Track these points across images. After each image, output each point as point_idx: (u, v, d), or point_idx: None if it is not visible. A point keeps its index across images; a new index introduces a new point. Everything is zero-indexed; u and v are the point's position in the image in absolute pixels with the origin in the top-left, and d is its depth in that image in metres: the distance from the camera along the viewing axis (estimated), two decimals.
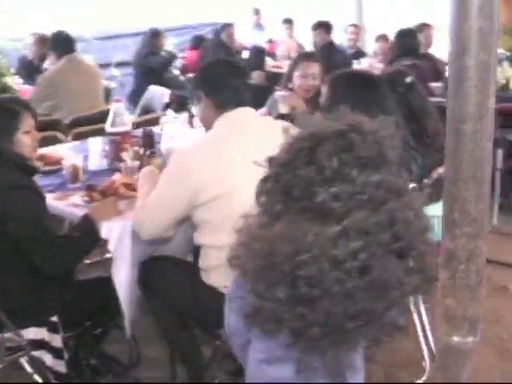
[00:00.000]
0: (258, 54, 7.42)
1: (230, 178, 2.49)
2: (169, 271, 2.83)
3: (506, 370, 3.16)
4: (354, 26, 8.44)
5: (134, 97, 6.65)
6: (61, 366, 2.71)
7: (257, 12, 9.79)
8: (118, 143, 3.51)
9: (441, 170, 3.02)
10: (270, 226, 1.32)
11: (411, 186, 2.82)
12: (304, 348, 1.33)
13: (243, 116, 2.66)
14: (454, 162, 1.27)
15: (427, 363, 3.11)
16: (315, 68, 4.27)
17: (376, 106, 2.87)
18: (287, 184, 1.30)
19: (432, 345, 3.18)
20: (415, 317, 3.12)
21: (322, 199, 1.24)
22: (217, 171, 2.49)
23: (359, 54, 7.81)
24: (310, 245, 1.23)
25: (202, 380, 2.83)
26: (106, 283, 2.75)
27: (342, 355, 1.34)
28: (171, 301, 2.79)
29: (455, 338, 1.33)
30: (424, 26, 6.57)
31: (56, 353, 2.70)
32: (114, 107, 3.68)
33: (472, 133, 1.23)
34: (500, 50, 5.66)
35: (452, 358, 1.36)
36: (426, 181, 2.95)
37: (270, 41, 9.21)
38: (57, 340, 2.69)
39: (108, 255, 3.23)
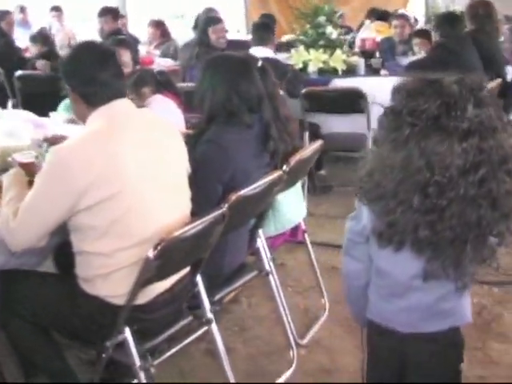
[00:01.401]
0: None
1: (119, 177, 2.20)
2: (32, 284, 2.50)
3: None
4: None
5: None
6: None
7: (22, 9, 9.14)
8: None
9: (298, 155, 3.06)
10: (396, 152, 1.63)
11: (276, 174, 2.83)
12: (429, 258, 1.68)
13: (120, 109, 2.34)
14: None
15: (294, 352, 3.14)
16: (126, 56, 4.12)
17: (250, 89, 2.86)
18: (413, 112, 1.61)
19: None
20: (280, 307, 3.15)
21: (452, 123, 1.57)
22: (102, 171, 2.17)
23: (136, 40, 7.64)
24: (442, 156, 1.56)
25: None
26: None
27: (465, 265, 1.66)
28: (36, 317, 2.45)
29: None
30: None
31: None
32: None
33: None
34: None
35: None
36: (284, 167, 2.94)
37: None
38: None
39: None
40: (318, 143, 3.32)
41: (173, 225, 2.28)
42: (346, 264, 1.96)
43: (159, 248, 2.14)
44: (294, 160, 2.98)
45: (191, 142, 2.74)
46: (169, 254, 2.22)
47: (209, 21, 5.73)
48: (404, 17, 6.78)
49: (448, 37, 5.22)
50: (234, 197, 2.51)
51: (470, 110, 1.58)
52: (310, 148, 3.27)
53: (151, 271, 2.20)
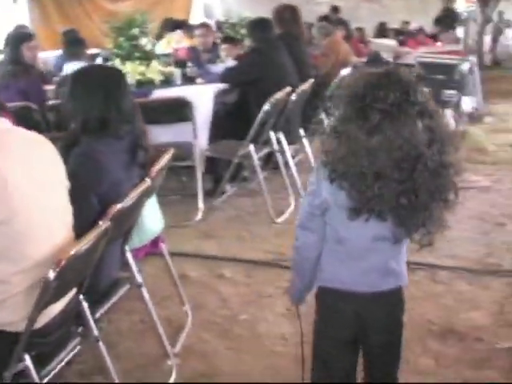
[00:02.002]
0: None
1: (6, 203, 2.10)
2: None
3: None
4: None
5: None
6: None
7: None
8: None
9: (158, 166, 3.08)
10: (371, 136, 1.84)
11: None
12: (398, 223, 1.93)
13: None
14: None
15: (173, 361, 3.15)
16: None
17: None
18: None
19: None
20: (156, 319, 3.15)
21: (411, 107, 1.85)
22: None
23: None
24: (413, 134, 1.84)
25: None
26: None
27: (428, 227, 1.93)
28: None
29: None
30: None
31: None
32: None
33: None
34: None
35: None
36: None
37: None
38: None
39: None
40: (170, 153, 3.36)
41: (64, 244, 2.23)
42: (303, 237, 2.11)
43: (59, 268, 2.07)
44: (154, 171, 3.00)
45: (61, 154, 2.65)
46: (65, 274, 2.15)
47: (22, 38, 5.49)
48: (207, 26, 6.98)
49: (261, 41, 5.48)
50: (114, 210, 2.49)
51: (419, 95, 1.88)
52: (164, 158, 3.30)
53: (50, 293, 2.13)
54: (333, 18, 10.61)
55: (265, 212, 5.26)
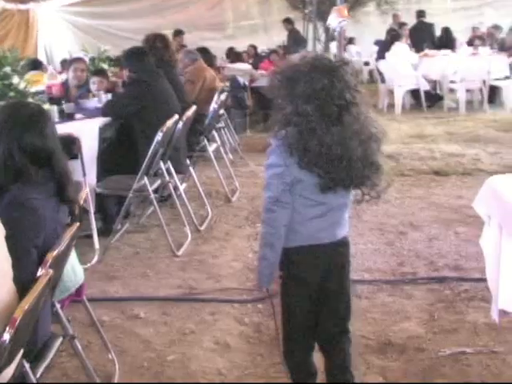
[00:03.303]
0: None
1: None
2: None
3: None
4: None
5: None
6: None
7: None
8: None
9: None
10: (334, 126, 2.31)
11: None
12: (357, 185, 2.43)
13: None
14: None
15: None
16: None
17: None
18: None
19: None
20: None
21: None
22: None
23: None
24: (363, 120, 2.37)
25: None
26: None
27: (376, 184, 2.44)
28: None
29: None
30: None
31: None
32: None
33: None
34: None
35: None
36: None
37: None
38: None
39: None
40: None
41: (7, 298, 1.99)
42: (279, 210, 2.40)
43: (13, 328, 1.84)
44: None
45: None
46: (19, 333, 1.92)
47: None
48: (82, 60, 6.67)
49: (140, 71, 5.31)
50: (52, 256, 2.28)
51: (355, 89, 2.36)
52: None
53: (5, 357, 1.88)
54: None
55: (162, 246, 5.09)
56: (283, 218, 2.40)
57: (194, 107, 5.60)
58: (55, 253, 2.32)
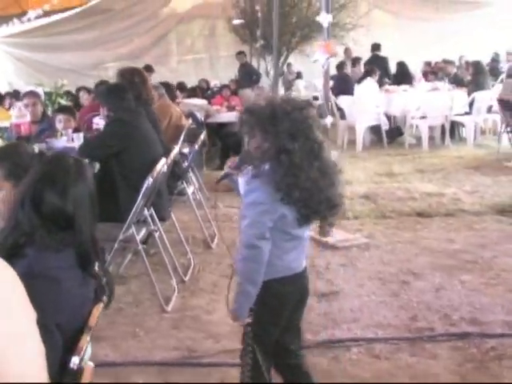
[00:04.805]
0: None
1: None
2: None
3: None
4: None
5: None
6: None
7: None
8: None
9: None
10: (314, 161, 2.50)
11: None
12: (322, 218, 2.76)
13: None
14: None
15: None
16: None
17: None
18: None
19: None
20: None
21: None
22: None
23: None
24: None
25: None
26: None
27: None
28: None
29: None
30: None
31: None
32: None
33: None
34: None
35: None
36: None
37: None
38: None
39: None
40: None
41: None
42: (262, 248, 2.49)
43: None
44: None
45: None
46: None
47: None
48: (36, 94, 6.20)
49: (120, 110, 4.87)
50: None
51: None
52: None
53: None
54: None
55: (146, 300, 4.67)
56: (267, 253, 2.50)
57: (176, 148, 5.22)
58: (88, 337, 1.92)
